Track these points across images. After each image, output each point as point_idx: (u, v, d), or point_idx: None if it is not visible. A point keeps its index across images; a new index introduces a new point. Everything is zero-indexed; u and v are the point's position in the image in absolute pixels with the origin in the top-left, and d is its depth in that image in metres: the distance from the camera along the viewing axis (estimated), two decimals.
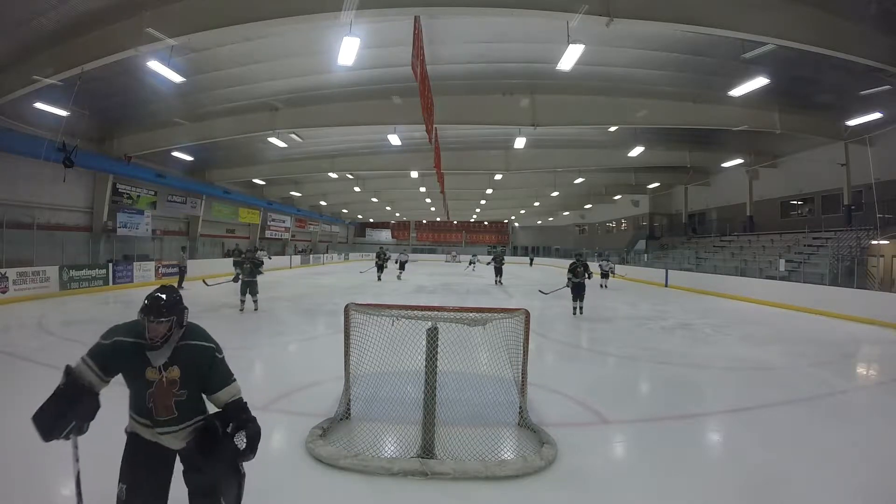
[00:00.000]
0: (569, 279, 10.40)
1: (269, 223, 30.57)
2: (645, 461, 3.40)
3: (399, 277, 20.12)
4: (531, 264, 38.46)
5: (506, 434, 3.70)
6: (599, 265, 18.46)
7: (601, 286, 17.42)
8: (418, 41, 6.90)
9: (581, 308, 10.30)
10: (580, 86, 11.74)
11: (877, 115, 11.75)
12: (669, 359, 6.59)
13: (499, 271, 19.53)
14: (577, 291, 10.30)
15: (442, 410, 3.40)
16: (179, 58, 9.31)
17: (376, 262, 20.06)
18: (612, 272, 19.92)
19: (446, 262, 42.38)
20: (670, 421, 4.22)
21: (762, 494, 2.93)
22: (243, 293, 9.87)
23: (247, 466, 3.08)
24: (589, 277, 10.48)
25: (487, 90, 12.11)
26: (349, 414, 3.81)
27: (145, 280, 15.37)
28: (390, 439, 3.51)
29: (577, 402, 4.57)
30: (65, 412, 1.85)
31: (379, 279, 19.12)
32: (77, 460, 2.09)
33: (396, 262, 22.40)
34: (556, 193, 29.02)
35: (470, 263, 30.66)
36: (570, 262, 10.68)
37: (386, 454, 3.25)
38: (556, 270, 30.71)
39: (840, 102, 12.17)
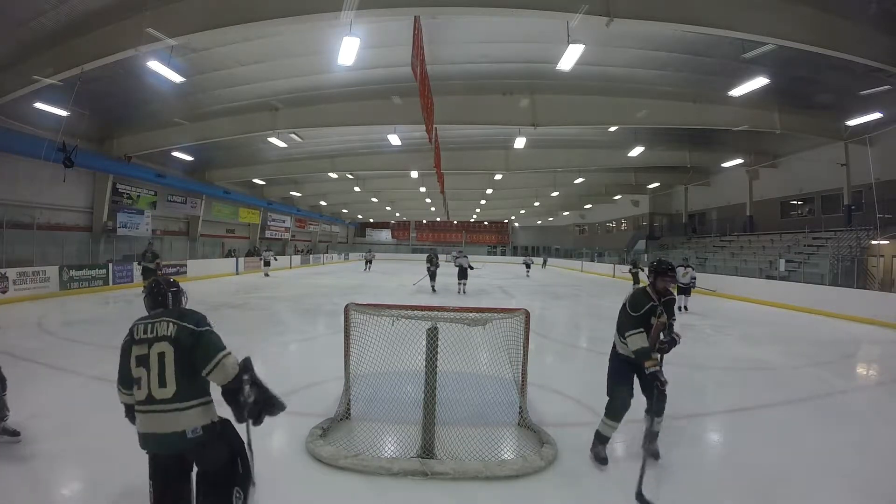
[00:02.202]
0: (661, 347, 3.39)
1: (269, 223, 30.58)
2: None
3: (462, 290, 14.73)
4: (544, 265, 34.59)
5: (506, 434, 3.69)
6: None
7: (681, 308, 10.97)
8: (418, 41, 6.91)
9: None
10: (580, 86, 11.75)
11: (877, 115, 11.77)
12: (669, 359, 6.56)
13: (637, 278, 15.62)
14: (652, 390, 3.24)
15: (442, 410, 3.39)
16: (179, 58, 9.33)
17: (429, 269, 15.51)
18: (695, 285, 12.10)
19: (446, 262, 42.34)
20: (670, 421, 4.21)
21: (762, 494, 2.93)
22: None
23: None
24: (669, 331, 3.39)
25: (487, 90, 12.12)
26: (349, 414, 3.81)
27: (143, 281, 15.34)
28: (390, 439, 3.50)
29: (577, 401, 4.56)
30: None
31: (434, 290, 15.03)
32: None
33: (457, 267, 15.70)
34: (556, 193, 29.05)
35: (527, 267, 25.75)
36: (634, 292, 3.46)
37: (386, 454, 3.25)
38: (561, 271, 30.70)
39: (840, 102, 12.18)
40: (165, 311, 2.10)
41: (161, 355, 1.93)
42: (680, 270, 11.05)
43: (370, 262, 28.75)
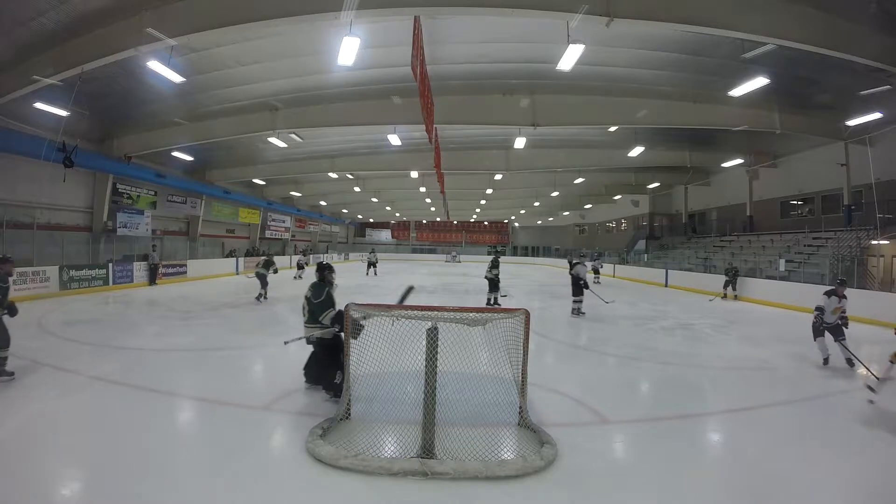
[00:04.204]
0: None
1: (269, 223, 30.57)
2: (645, 461, 3.40)
3: (577, 311, 10.27)
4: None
5: (506, 434, 3.70)
6: (817, 313, 6.59)
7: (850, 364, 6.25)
8: (418, 41, 6.90)
9: None
10: (580, 86, 11.75)
11: (877, 115, 11.75)
12: (669, 359, 6.59)
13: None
14: None
15: (442, 410, 3.39)
16: (179, 58, 9.32)
17: (490, 277, 11.59)
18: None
19: (446, 262, 42.34)
20: (670, 421, 4.22)
21: (762, 494, 2.93)
22: None
23: (247, 466, 3.10)
24: None
25: (487, 90, 12.11)
26: (349, 414, 3.81)
27: (145, 280, 15.37)
28: (390, 439, 3.51)
29: (577, 401, 4.56)
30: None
31: (495, 302, 11.51)
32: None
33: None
34: (556, 193, 29.03)
35: (595, 273, 20.27)
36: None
37: (386, 454, 3.25)
38: (561, 271, 30.65)
39: (840, 102, 12.17)
40: (313, 284, 4.73)
41: (303, 306, 4.66)
42: (832, 303, 6.34)
43: (374, 265, 23.17)
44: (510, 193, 31.26)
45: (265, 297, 11.93)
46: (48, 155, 11.49)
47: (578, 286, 10.27)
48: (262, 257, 13.38)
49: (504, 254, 46.00)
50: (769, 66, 9.64)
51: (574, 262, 10.83)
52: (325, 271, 4.81)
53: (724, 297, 14.66)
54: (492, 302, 11.52)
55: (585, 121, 13.28)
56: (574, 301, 10.32)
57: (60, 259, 13.29)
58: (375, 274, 22.06)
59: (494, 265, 11.78)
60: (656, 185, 25.53)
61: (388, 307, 3.77)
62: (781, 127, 13.01)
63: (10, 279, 5.17)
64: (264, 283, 12.16)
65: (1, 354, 4.91)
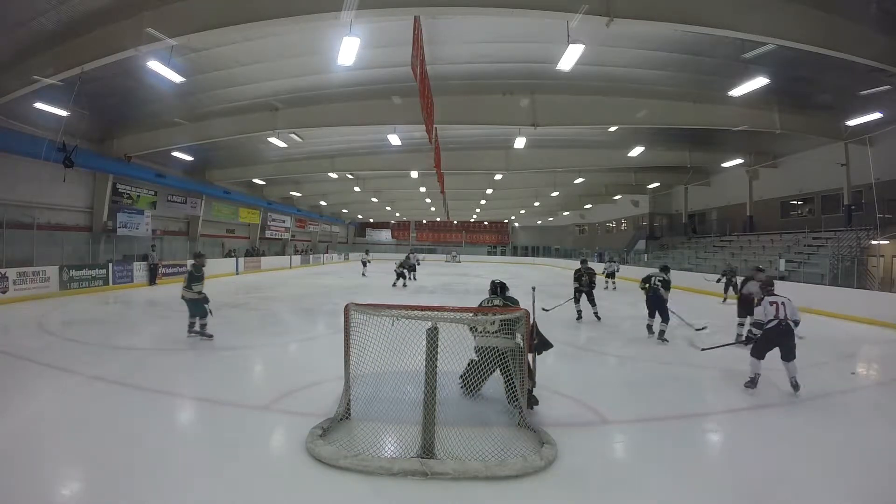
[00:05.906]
0: None
1: (269, 223, 30.58)
2: (645, 461, 3.40)
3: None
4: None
5: (506, 434, 3.69)
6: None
7: None
8: (418, 41, 6.91)
9: None
10: (580, 86, 11.75)
11: (877, 115, 11.76)
12: (669, 359, 6.59)
13: None
14: None
15: (442, 410, 3.39)
16: (179, 58, 9.32)
17: (585, 290, 9.75)
18: None
19: (446, 262, 42.34)
20: (670, 421, 4.22)
21: (761, 494, 2.93)
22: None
23: (245, 468, 3.10)
24: None
25: (487, 90, 12.11)
26: (349, 414, 3.81)
27: (145, 280, 15.36)
28: (390, 439, 3.50)
29: (577, 402, 4.56)
30: None
31: (589, 314, 9.74)
32: None
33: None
34: (556, 193, 29.04)
35: (610, 278, 17.88)
36: None
37: (386, 454, 3.25)
38: (560, 271, 30.65)
39: (840, 102, 12.18)
40: (496, 297, 4.85)
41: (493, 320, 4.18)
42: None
43: (414, 270, 20.23)
44: (510, 193, 31.27)
45: (405, 285, 16.78)
46: (48, 155, 11.49)
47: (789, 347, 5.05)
48: (403, 257, 18.05)
49: (505, 252, 46.59)
50: (769, 66, 9.64)
51: (744, 278, 7.97)
52: (504, 291, 4.95)
53: (725, 300, 14.19)
54: (595, 313, 9.66)
55: (585, 121, 13.28)
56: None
57: (60, 259, 13.29)
58: (415, 279, 19.33)
59: (580, 277, 9.77)
60: (656, 185, 25.53)
61: (389, 307, 3.77)
62: (781, 127, 13.01)
63: (203, 269, 7.07)
64: (402, 277, 17.13)
65: (202, 322, 6.88)
